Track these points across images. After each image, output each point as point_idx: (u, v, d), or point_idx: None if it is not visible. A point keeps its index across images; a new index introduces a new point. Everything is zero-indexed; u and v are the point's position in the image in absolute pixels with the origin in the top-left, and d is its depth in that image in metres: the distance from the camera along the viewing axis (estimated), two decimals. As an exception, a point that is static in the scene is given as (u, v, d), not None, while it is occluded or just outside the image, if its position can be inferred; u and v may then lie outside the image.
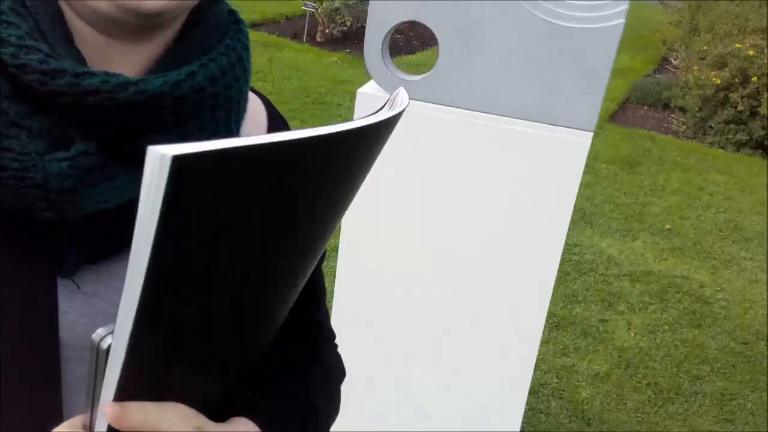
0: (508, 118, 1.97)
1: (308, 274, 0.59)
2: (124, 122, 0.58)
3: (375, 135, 0.52)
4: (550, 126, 1.95)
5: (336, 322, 1.15)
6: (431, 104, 1.98)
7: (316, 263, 0.60)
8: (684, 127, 7.41)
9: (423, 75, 1.97)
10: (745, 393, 3.37)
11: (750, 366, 3.59)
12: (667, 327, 3.79)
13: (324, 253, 0.65)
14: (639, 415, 3.13)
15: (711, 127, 7.12)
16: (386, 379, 2.25)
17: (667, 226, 4.95)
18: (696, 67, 7.93)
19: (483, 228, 2.07)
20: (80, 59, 0.59)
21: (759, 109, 6.72)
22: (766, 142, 6.81)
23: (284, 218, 0.47)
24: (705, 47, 8.30)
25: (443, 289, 2.14)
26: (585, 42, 1.87)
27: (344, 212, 0.59)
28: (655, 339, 3.68)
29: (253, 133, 0.77)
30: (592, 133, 1.94)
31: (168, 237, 0.37)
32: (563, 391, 3.17)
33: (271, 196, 0.43)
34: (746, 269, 4.55)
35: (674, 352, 3.60)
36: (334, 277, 2.08)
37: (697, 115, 7.23)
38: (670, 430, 3.07)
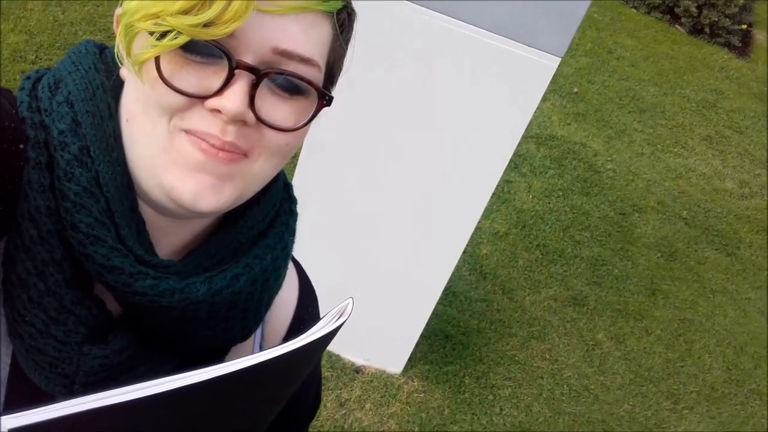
0: (486, 31, 2.07)
1: None
2: (161, 318, 0.62)
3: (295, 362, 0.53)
4: (523, 45, 2.08)
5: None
6: (417, 5, 2.03)
7: None
8: (605, -21, 7.52)
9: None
10: (615, 260, 3.92)
11: (622, 235, 4.13)
12: (560, 192, 4.22)
13: None
14: (526, 272, 3.60)
15: (629, -16, 7.28)
16: (347, 250, 2.50)
17: (575, 90, 5.26)
18: None
19: (446, 125, 2.25)
20: (148, 247, 0.62)
21: (676, -26, 6.92)
22: (675, 9, 7.10)
23: None
24: None
25: (400, 172, 2.35)
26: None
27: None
28: (549, 203, 4.11)
29: (282, 313, 0.81)
30: (559, 59, 2.10)
31: None
32: (467, 246, 3.56)
33: None
34: (636, 141, 5.01)
35: (563, 217, 4.06)
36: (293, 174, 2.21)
37: (620, -31, 7.34)
38: (549, 288, 3.58)
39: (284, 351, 0.51)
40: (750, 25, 7.40)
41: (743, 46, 7.18)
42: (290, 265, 0.82)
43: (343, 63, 0.67)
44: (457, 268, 3.37)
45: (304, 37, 0.59)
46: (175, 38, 0.54)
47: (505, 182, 4.08)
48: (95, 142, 0.59)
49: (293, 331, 0.82)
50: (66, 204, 0.57)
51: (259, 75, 0.57)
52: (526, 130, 4.60)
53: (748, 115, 5.98)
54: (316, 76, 0.61)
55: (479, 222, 3.73)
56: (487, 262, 3.53)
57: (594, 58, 5.80)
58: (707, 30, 6.95)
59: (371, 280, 2.58)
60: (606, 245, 4.00)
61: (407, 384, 2.81)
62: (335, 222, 2.46)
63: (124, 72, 0.61)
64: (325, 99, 0.62)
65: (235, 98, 0.56)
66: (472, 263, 3.49)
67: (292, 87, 0.60)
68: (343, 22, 0.63)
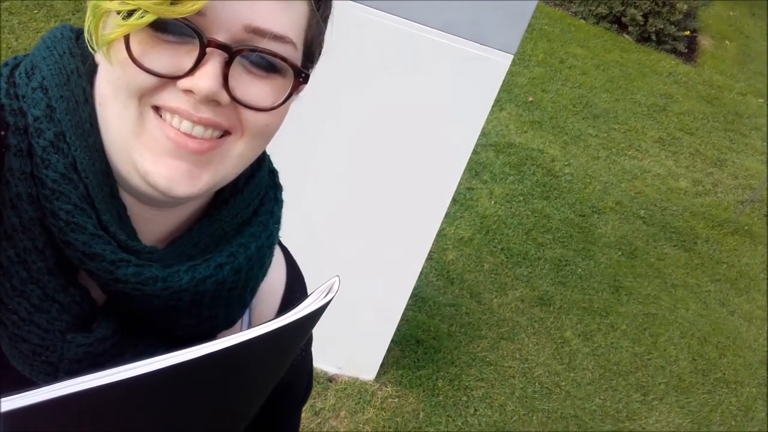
0: (438, 31, 2.13)
1: None
2: (145, 306, 0.61)
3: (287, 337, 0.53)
4: (477, 44, 2.14)
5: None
6: (368, 6, 2.08)
7: None
8: (553, -8, 7.73)
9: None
10: (578, 260, 4.00)
11: (584, 236, 4.22)
12: (521, 197, 4.30)
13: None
14: (492, 276, 3.65)
15: (577, -4, 7.49)
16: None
17: (530, 99, 5.38)
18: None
19: (401, 127, 2.29)
20: (131, 232, 0.62)
21: (621, -15, 7.13)
22: (622, 18, 7.31)
23: None
24: None
25: (359, 178, 2.38)
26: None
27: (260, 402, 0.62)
28: (510, 208, 4.18)
29: (270, 299, 0.81)
30: (512, 56, 2.16)
31: None
32: (434, 252, 3.60)
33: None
34: (591, 146, 5.13)
35: (525, 221, 4.13)
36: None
37: (567, -18, 7.55)
38: (515, 290, 3.63)
39: (272, 328, 0.50)
40: (694, 31, 7.66)
41: (689, 52, 7.42)
42: (278, 251, 0.82)
43: (322, 41, 0.66)
44: (425, 274, 3.41)
45: (278, 15, 0.58)
46: (142, 17, 0.53)
47: (467, 189, 4.14)
48: (71, 127, 0.59)
49: (280, 316, 0.83)
50: (45, 191, 0.57)
51: (231, 53, 0.56)
52: (485, 137, 4.69)
53: (697, 117, 6.17)
54: (292, 53, 0.60)
55: (444, 228, 3.78)
56: (453, 267, 3.58)
57: (547, 67, 5.94)
58: (654, 37, 7.17)
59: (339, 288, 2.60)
60: (568, 246, 4.08)
61: (381, 390, 2.82)
62: (297, 233, 2.48)
63: (100, 56, 0.60)
64: (301, 76, 0.61)
65: (207, 78, 0.55)
66: (439, 269, 3.53)
67: (267, 65, 0.59)
68: None
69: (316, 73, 0.67)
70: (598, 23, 7.31)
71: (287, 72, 0.60)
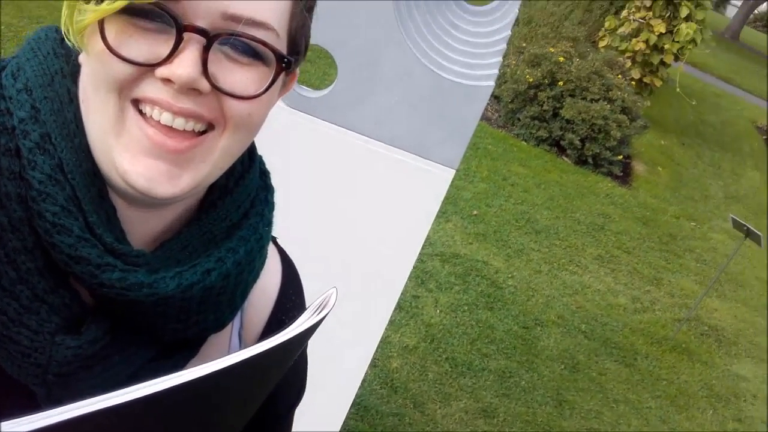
0: (387, 145, 2.20)
1: None
2: (131, 310, 0.60)
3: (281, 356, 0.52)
4: (421, 158, 2.22)
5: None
6: (321, 120, 2.15)
7: None
8: (497, 115, 8.12)
9: (320, 93, 2.13)
10: (521, 372, 3.98)
11: (527, 348, 4.22)
12: (466, 307, 4.32)
13: None
14: (437, 386, 3.60)
15: (519, 119, 7.88)
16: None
17: (475, 212, 5.51)
18: (514, 61, 8.65)
19: (347, 235, 2.31)
20: (119, 235, 0.60)
21: (561, 111, 7.56)
22: (561, 142, 7.69)
23: None
24: (524, 44, 9.05)
25: (302, 278, 2.36)
26: (460, 94, 2.15)
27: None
28: (455, 317, 4.18)
29: (263, 302, 0.79)
30: (454, 170, 2.24)
31: None
32: (378, 360, 3.54)
33: None
34: (533, 260, 5.24)
35: (470, 331, 4.13)
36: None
37: (509, 106, 7.96)
38: (460, 401, 3.57)
39: (262, 350, 0.48)
40: (628, 157, 8.09)
41: (624, 176, 7.80)
42: (274, 251, 0.80)
43: (308, 31, 0.65)
44: (368, 383, 3.34)
45: (257, 1, 0.56)
46: (114, 1, 0.52)
47: (413, 297, 4.14)
48: (56, 128, 0.58)
49: (274, 319, 0.80)
50: (32, 193, 0.56)
51: (209, 38, 0.54)
52: (432, 247, 4.75)
53: (633, 237, 6.41)
54: (274, 40, 0.58)
55: (389, 336, 3.74)
56: (397, 376, 3.51)
57: (490, 183, 6.14)
58: (591, 161, 7.54)
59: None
60: (512, 358, 4.07)
61: (319, 504, 2.68)
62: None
63: (83, 55, 0.59)
64: (283, 62, 0.59)
65: (185, 64, 0.53)
66: (383, 377, 3.46)
67: (249, 51, 0.57)
68: None
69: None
70: (538, 145, 7.66)
71: (270, 59, 0.58)
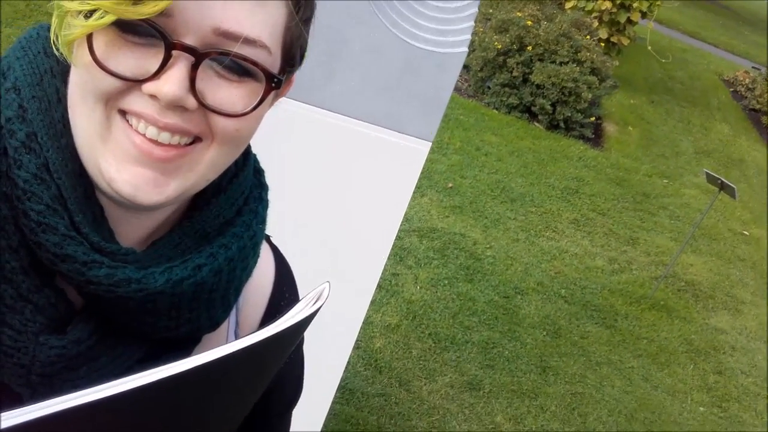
0: (361, 121, 2.18)
1: None
2: (120, 308, 0.59)
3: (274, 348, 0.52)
4: (396, 132, 2.19)
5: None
6: (293, 100, 2.11)
7: None
8: (466, 84, 8.09)
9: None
10: (504, 342, 4.02)
11: (509, 317, 4.26)
12: (446, 281, 4.33)
13: None
14: (421, 362, 3.62)
15: (489, 87, 7.85)
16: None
17: (450, 185, 5.51)
18: (481, 29, 8.59)
19: (324, 216, 2.29)
20: (107, 234, 0.60)
21: (530, 76, 7.54)
22: (532, 108, 7.69)
23: None
24: (491, 10, 9.00)
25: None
26: (433, 63, 2.12)
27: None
28: (436, 292, 4.20)
29: (257, 299, 0.79)
30: (430, 143, 2.22)
31: None
32: (361, 341, 3.55)
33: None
34: (510, 228, 5.27)
35: (451, 305, 4.15)
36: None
37: (478, 75, 7.92)
38: (445, 376, 3.60)
39: (256, 340, 0.48)
40: (599, 118, 8.11)
41: (596, 138, 7.82)
42: (267, 249, 0.80)
43: (305, 44, 0.64)
44: (352, 365, 3.35)
45: (250, 17, 0.55)
46: (102, 17, 0.51)
47: (392, 275, 4.14)
48: (42, 128, 0.57)
49: (269, 316, 0.79)
50: (17, 192, 0.56)
51: (198, 56, 0.53)
52: (409, 223, 4.74)
53: (608, 198, 6.45)
54: (265, 58, 0.57)
55: (371, 316, 3.75)
56: (381, 356, 3.53)
57: (464, 155, 6.14)
58: (562, 125, 7.54)
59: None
60: (494, 328, 4.10)
61: (311, 489, 2.70)
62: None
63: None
64: (273, 81, 0.58)
65: (171, 82, 0.53)
66: (367, 358, 3.47)
67: (238, 68, 0.56)
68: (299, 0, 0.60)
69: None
70: (509, 112, 7.65)
71: (260, 76, 0.57)
